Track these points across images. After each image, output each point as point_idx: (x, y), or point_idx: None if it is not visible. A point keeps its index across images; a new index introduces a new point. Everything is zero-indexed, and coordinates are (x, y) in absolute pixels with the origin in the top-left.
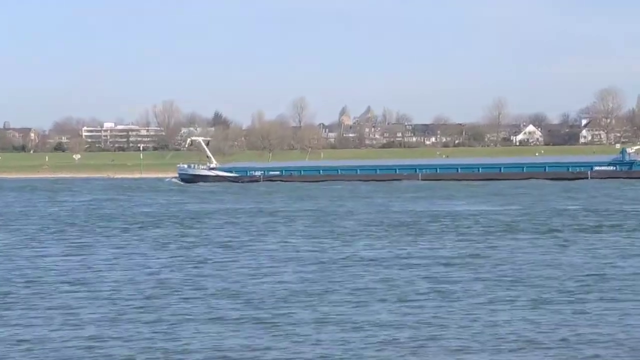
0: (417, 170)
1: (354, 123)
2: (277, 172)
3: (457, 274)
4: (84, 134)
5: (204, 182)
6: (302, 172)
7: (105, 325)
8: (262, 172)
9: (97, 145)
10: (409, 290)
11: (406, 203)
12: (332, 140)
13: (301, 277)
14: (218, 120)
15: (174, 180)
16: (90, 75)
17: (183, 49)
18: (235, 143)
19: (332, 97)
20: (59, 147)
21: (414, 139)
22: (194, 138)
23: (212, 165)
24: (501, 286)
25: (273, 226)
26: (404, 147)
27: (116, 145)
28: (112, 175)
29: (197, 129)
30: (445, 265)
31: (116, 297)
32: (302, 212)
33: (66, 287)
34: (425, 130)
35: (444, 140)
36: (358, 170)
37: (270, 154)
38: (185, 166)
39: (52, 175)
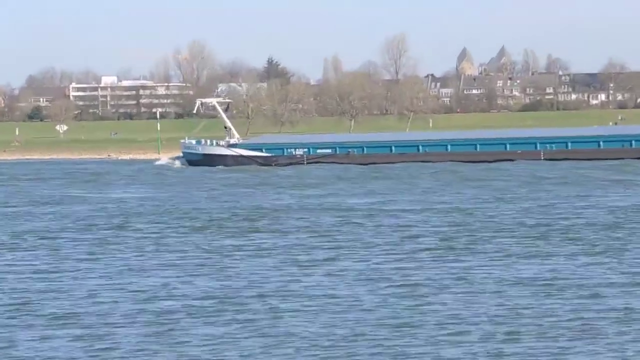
0: (538, 145)
1: (480, 73)
2: (329, 150)
3: None
4: (73, 93)
5: (221, 164)
6: (364, 149)
7: None
8: (306, 149)
9: (91, 111)
10: None
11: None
12: (447, 100)
13: None
14: (273, 72)
15: (175, 162)
16: (79, 5)
17: None
18: (300, 106)
19: (446, 35)
20: (35, 114)
21: (573, 96)
22: (205, 100)
23: (232, 141)
24: None
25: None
26: (557, 108)
27: (120, 110)
28: (114, 155)
29: (242, 84)
30: None
31: None
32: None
33: None
34: (591, 83)
35: (618, 98)
36: (449, 146)
37: (352, 123)
38: (193, 142)
39: (25, 157)
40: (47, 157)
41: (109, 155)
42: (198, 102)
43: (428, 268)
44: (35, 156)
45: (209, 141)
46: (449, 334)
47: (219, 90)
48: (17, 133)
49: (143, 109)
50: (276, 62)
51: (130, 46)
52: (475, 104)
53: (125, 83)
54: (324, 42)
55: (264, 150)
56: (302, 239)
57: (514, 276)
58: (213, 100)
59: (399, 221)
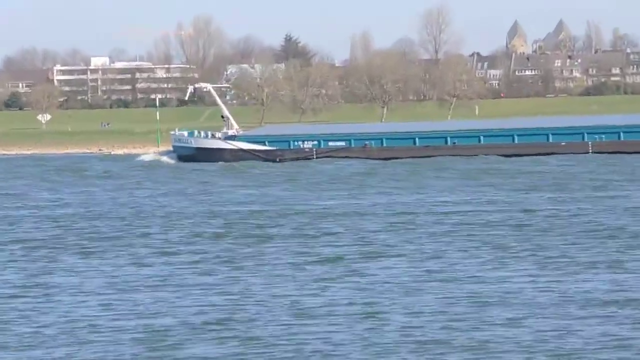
0: (586, 135)
1: (534, 51)
2: (342, 143)
3: None
4: (57, 77)
5: (217, 159)
6: (383, 141)
7: None
8: (316, 142)
9: (79, 97)
10: None
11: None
12: (496, 83)
13: None
14: (292, 51)
15: (164, 157)
16: None
17: None
18: (323, 91)
19: (494, 6)
20: (13, 101)
21: None
22: (198, 85)
23: (230, 132)
24: None
25: None
26: (625, 92)
27: (113, 97)
28: (105, 149)
29: (255, 66)
30: None
31: None
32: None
33: None
34: None
35: None
36: (481, 138)
37: (385, 110)
38: (185, 133)
39: (3, 152)
40: (27, 151)
41: (100, 150)
42: (190, 87)
43: None
44: (13, 151)
45: (202, 133)
46: None
47: (228, 72)
48: None
49: (140, 95)
50: (295, 39)
51: (124, 22)
52: (528, 87)
53: (118, 65)
54: (351, 16)
55: (266, 143)
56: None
57: None
58: (208, 85)
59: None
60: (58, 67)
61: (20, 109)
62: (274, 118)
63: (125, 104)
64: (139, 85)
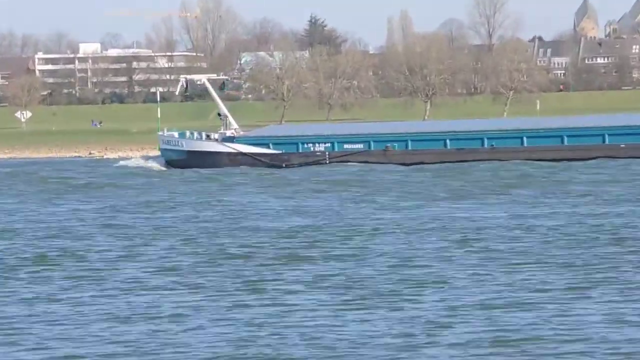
0: None
1: (608, 35)
2: (359, 146)
3: None
4: (39, 67)
5: (212, 164)
6: (408, 143)
7: None
8: (329, 144)
9: (65, 91)
10: None
11: None
12: (561, 73)
13: None
14: (318, 36)
15: (149, 162)
16: None
17: None
18: (355, 83)
19: None
20: None
21: None
22: (191, 77)
23: (229, 133)
24: None
25: None
26: None
27: (106, 91)
28: (96, 153)
29: (274, 53)
30: None
31: None
32: None
33: None
34: None
35: None
36: (524, 139)
37: (428, 106)
38: (175, 134)
39: None
40: (3, 155)
41: (90, 154)
42: (182, 79)
43: None
44: None
45: (195, 133)
46: None
47: (242, 61)
48: None
49: (137, 88)
50: (321, 22)
51: (118, 1)
52: (601, 78)
53: (112, 52)
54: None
55: (271, 146)
56: None
57: None
58: (202, 77)
59: None
60: (40, 54)
61: None
62: (295, 115)
63: (120, 99)
64: (136, 77)
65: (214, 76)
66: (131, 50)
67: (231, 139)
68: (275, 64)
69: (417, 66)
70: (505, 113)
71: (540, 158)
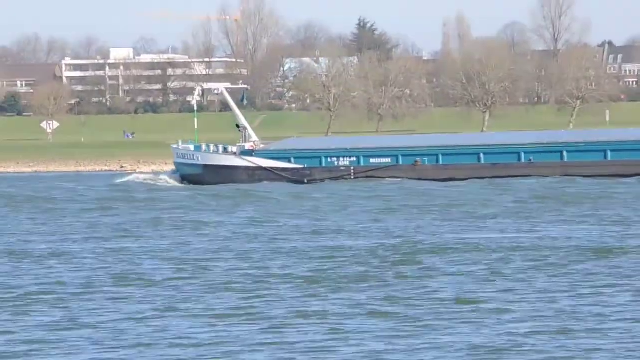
0: None
1: None
2: (387, 160)
3: None
4: (67, 74)
5: (229, 179)
6: (439, 157)
7: None
8: (354, 158)
9: (95, 99)
10: None
11: None
12: (634, 81)
13: None
14: (367, 41)
15: (162, 177)
16: None
17: None
18: (407, 92)
19: None
20: (11, 105)
21: None
22: (209, 86)
23: (248, 146)
24: None
25: None
26: None
27: (139, 99)
28: (128, 167)
29: (320, 60)
30: None
31: None
32: None
33: None
34: None
35: None
36: (564, 154)
37: (487, 116)
38: (191, 147)
39: None
40: (28, 169)
41: (122, 167)
42: (198, 88)
43: None
44: (10, 169)
45: (212, 146)
46: None
47: (285, 68)
48: None
49: (173, 97)
50: (371, 25)
51: (153, 4)
52: None
53: (145, 58)
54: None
55: (292, 160)
56: None
57: None
58: (220, 87)
59: None
60: (68, 60)
61: (19, 114)
62: (343, 126)
63: (154, 108)
64: (171, 85)
65: (230, 85)
66: (166, 56)
67: (250, 153)
68: (321, 71)
69: (475, 73)
70: (571, 124)
71: (581, 174)
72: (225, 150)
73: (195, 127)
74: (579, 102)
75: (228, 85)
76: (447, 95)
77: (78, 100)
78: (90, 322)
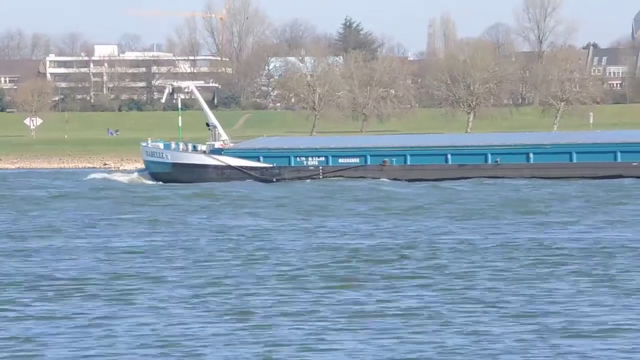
0: None
1: None
2: (355, 160)
3: None
4: (51, 70)
5: (198, 178)
6: (407, 158)
7: None
8: (323, 158)
9: (79, 96)
10: None
11: None
12: (618, 83)
13: None
14: (353, 41)
15: (131, 175)
16: None
17: None
18: (392, 92)
19: None
20: None
21: None
22: (178, 84)
23: (217, 144)
24: None
25: None
26: None
27: (123, 97)
28: (112, 164)
29: (305, 59)
30: None
31: None
32: None
33: None
34: None
35: None
36: (531, 155)
37: (471, 117)
38: (160, 145)
39: None
40: (10, 165)
41: (105, 165)
42: (168, 87)
43: None
44: None
45: (182, 144)
46: None
47: (270, 67)
48: None
49: (157, 95)
50: (357, 25)
51: (137, 3)
52: None
53: (130, 55)
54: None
55: (261, 159)
56: None
57: None
58: (190, 84)
59: None
60: (52, 57)
61: (3, 110)
62: (327, 126)
63: (139, 106)
64: (155, 82)
65: (201, 83)
66: (151, 54)
67: (219, 151)
68: (307, 70)
69: (459, 74)
70: (555, 126)
71: (547, 176)
72: (194, 148)
73: (179, 124)
74: (562, 104)
75: (198, 83)
76: (432, 96)
77: (62, 97)
78: None
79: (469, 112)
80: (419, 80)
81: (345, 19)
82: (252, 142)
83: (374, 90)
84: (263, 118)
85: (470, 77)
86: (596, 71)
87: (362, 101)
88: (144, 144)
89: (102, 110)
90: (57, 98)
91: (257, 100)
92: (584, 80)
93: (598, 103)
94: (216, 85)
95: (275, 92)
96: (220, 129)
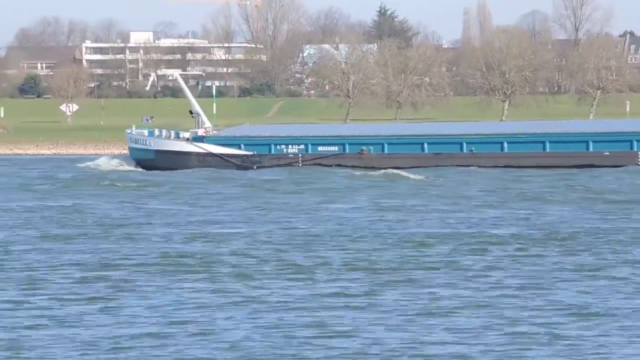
0: (636, 144)
1: None
2: (334, 148)
3: None
4: (87, 57)
5: (181, 165)
6: (385, 146)
7: None
8: (303, 146)
9: (115, 83)
10: None
11: None
12: None
13: None
14: (387, 28)
15: (113, 162)
16: None
17: None
18: (427, 80)
19: None
20: (30, 87)
21: None
22: (163, 73)
23: (200, 132)
24: None
25: None
26: None
27: (160, 84)
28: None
29: (339, 47)
30: None
31: None
32: None
33: None
34: None
35: None
36: (505, 145)
37: (506, 105)
38: (145, 132)
39: (12, 151)
40: (46, 151)
41: None
42: (152, 75)
43: None
44: (30, 150)
45: (164, 131)
46: None
47: (304, 55)
48: (1, 114)
49: (192, 82)
50: (391, 12)
51: None
52: None
53: (165, 42)
54: None
55: (242, 147)
56: None
57: None
58: (175, 72)
59: None
60: (88, 43)
61: (39, 96)
62: (362, 114)
63: (173, 93)
64: (191, 70)
65: (181, 72)
66: (186, 41)
67: (201, 139)
68: (341, 58)
69: (495, 62)
70: (591, 114)
71: (521, 165)
72: (177, 136)
73: (214, 112)
74: (599, 92)
75: (181, 71)
76: (467, 84)
77: (97, 83)
78: None
79: (504, 100)
80: (454, 69)
81: (380, 7)
82: (234, 129)
83: (408, 78)
84: (297, 105)
85: (505, 65)
86: (633, 59)
87: (396, 89)
88: (129, 131)
89: (138, 97)
90: (92, 84)
91: (291, 88)
92: (621, 68)
93: (635, 91)
94: (201, 73)
95: (309, 79)
96: (203, 117)
